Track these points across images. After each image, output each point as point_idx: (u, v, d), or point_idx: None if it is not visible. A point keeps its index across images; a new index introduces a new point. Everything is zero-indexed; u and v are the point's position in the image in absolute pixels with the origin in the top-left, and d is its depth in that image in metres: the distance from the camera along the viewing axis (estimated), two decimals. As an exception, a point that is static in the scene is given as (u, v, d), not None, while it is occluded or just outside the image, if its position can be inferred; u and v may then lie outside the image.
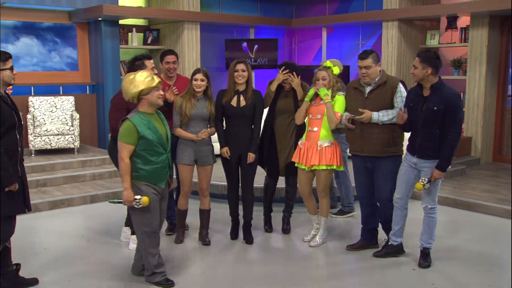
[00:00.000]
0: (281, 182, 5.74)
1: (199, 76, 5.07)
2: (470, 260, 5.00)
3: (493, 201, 6.62)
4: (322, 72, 5.07)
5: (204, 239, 5.41)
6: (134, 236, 5.06)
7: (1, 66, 4.06)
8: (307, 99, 5.12)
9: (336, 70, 5.08)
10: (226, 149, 5.27)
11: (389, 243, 4.97)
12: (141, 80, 4.09)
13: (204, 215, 5.43)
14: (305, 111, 5.17)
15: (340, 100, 5.01)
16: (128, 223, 5.42)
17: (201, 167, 5.27)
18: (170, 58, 5.51)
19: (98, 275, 4.69)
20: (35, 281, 4.52)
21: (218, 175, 6.88)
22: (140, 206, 4.13)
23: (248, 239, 5.45)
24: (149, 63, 5.06)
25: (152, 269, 4.36)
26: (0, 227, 4.09)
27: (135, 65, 5.01)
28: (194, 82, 5.07)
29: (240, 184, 5.48)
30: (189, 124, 5.12)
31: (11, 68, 4.12)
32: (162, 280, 4.38)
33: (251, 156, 5.27)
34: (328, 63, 5.12)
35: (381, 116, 4.73)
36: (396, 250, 4.96)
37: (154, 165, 4.18)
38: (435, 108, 4.46)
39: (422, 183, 4.57)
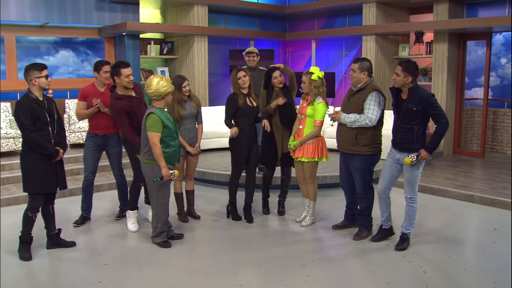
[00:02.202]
0: (277, 172, 5.71)
1: (186, 83, 5.15)
2: (435, 236, 5.00)
3: (452, 187, 6.63)
4: (303, 76, 4.99)
5: (195, 215, 5.56)
6: (131, 215, 5.22)
7: (37, 74, 4.23)
8: (291, 146, 5.06)
9: (314, 76, 4.89)
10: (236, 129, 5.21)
11: (383, 228, 4.87)
12: (169, 84, 4.44)
13: (192, 194, 5.56)
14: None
15: (319, 109, 4.91)
16: (147, 201, 5.43)
17: (191, 156, 5.32)
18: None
19: (122, 246, 4.76)
20: (72, 243, 4.73)
21: (224, 165, 6.88)
22: (175, 178, 4.46)
23: (249, 219, 5.45)
24: (125, 70, 4.86)
25: (161, 228, 4.61)
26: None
27: (114, 70, 4.91)
28: (183, 89, 5.10)
29: (245, 172, 5.46)
30: (183, 123, 5.13)
31: (46, 76, 4.30)
32: (162, 241, 4.67)
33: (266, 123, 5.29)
34: (312, 68, 4.96)
35: (346, 117, 4.63)
36: (389, 233, 4.88)
37: (172, 148, 4.46)
38: (414, 108, 4.36)
39: (411, 159, 4.40)
